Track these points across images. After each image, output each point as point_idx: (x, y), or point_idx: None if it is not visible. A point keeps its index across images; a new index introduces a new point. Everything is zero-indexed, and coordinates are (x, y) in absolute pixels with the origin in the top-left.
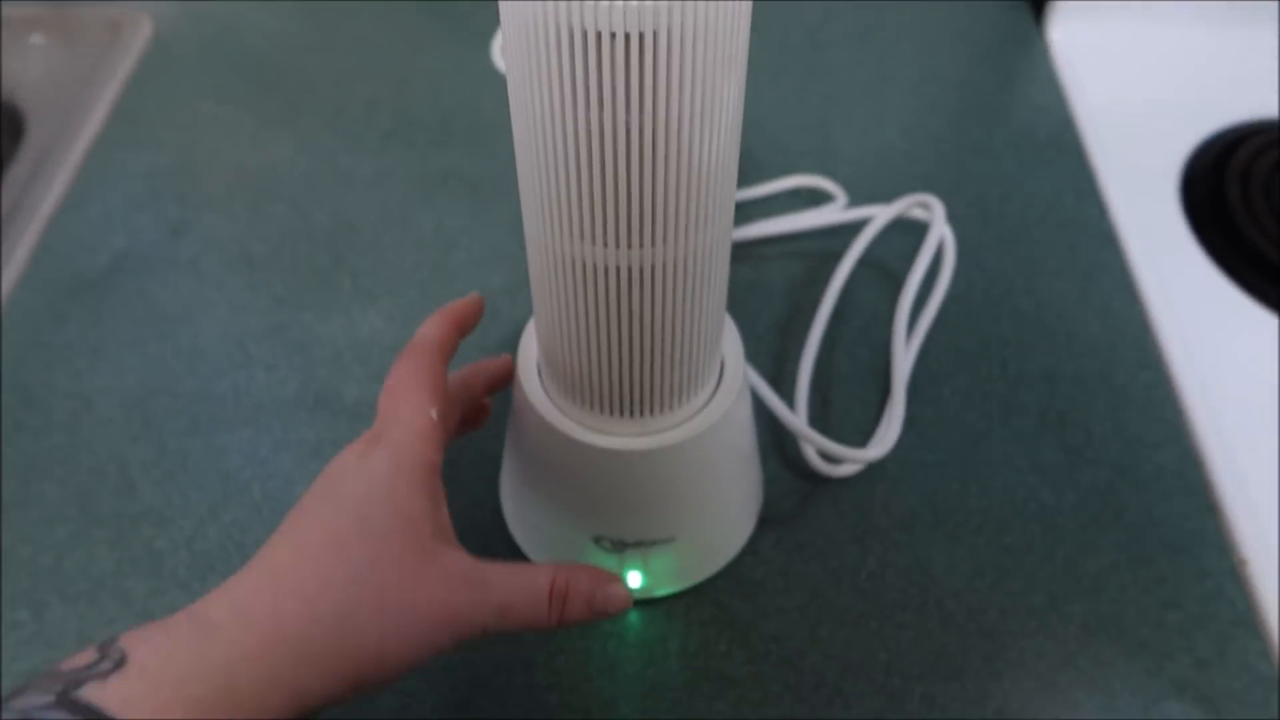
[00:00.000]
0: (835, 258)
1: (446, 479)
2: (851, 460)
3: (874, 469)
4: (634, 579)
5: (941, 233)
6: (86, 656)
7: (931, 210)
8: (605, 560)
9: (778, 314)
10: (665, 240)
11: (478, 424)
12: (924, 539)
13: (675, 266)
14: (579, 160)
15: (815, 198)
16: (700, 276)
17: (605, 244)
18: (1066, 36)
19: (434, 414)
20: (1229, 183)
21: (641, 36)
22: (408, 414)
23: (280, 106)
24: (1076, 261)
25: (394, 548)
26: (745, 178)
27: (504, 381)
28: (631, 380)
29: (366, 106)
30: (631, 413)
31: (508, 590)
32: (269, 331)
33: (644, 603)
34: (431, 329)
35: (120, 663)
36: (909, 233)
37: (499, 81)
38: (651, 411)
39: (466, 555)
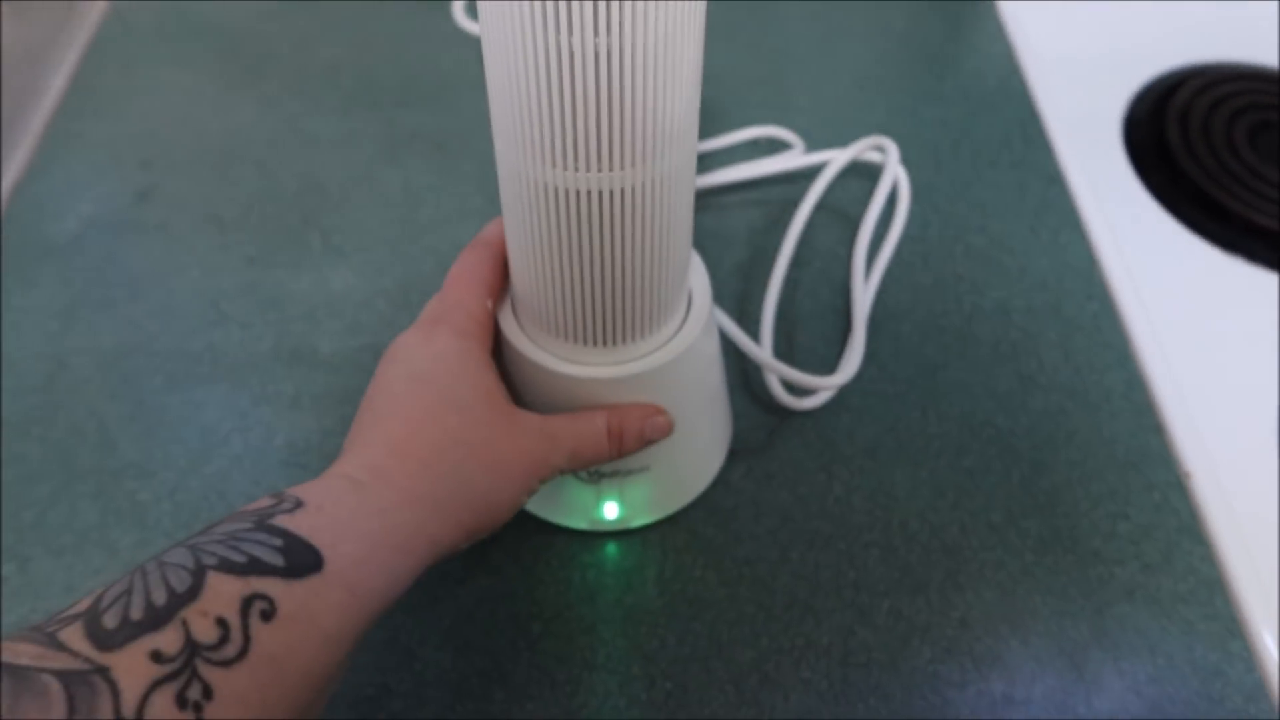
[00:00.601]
0: (794, 203)
1: None
2: (816, 388)
3: (837, 401)
4: (611, 509)
5: (896, 173)
6: (265, 501)
7: (886, 152)
8: (582, 491)
9: (740, 259)
10: (633, 163)
11: None
12: (887, 464)
13: (643, 190)
14: (549, 84)
15: (774, 147)
16: (666, 201)
17: (575, 168)
18: None
19: (489, 304)
20: (1169, 124)
21: None
22: (470, 301)
23: (241, 72)
24: (1026, 201)
25: (481, 414)
26: (704, 130)
27: None
28: (601, 309)
29: (329, 69)
30: (602, 341)
31: (574, 436)
32: (242, 290)
33: (621, 533)
34: (495, 228)
35: (298, 504)
36: (866, 178)
37: (462, 41)
38: (621, 340)
39: (534, 413)
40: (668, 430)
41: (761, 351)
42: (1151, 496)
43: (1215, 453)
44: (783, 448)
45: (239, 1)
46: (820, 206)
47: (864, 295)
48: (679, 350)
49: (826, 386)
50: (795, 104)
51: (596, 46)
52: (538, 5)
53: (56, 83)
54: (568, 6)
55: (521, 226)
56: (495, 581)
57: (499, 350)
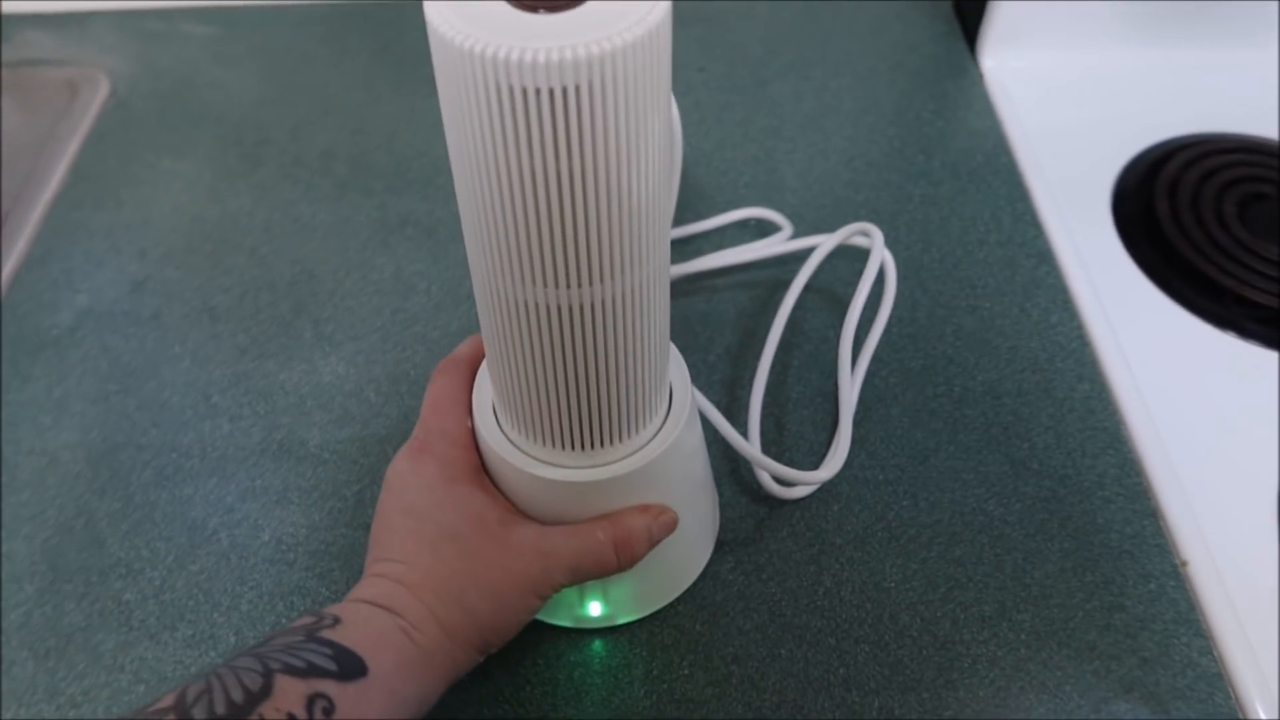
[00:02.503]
0: (783, 285)
1: None
2: (803, 483)
3: (827, 489)
4: (595, 607)
5: (882, 257)
6: (308, 619)
7: (872, 237)
8: (565, 592)
9: (729, 343)
10: (603, 279)
11: None
12: (877, 555)
13: (615, 303)
14: (515, 206)
15: (762, 228)
16: (640, 311)
17: (545, 284)
18: (999, 64)
19: (469, 423)
20: (1157, 197)
21: (565, 90)
22: (450, 426)
23: (238, 159)
24: (1015, 280)
25: (472, 542)
26: (693, 211)
27: None
28: (579, 415)
29: (323, 156)
30: (582, 445)
31: (573, 552)
32: (232, 381)
33: (607, 630)
34: (465, 347)
35: (337, 620)
36: (854, 259)
37: None
38: (601, 444)
39: (532, 527)
40: (674, 525)
41: (750, 447)
42: (1148, 586)
43: (1213, 540)
44: (771, 539)
45: (238, 89)
46: (809, 288)
47: (850, 390)
48: (659, 450)
49: (812, 482)
50: (784, 184)
51: (559, 170)
52: (499, 135)
53: (58, 171)
54: (528, 135)
55: (497, 336)
56: (481, 682)
57: (484, 456)
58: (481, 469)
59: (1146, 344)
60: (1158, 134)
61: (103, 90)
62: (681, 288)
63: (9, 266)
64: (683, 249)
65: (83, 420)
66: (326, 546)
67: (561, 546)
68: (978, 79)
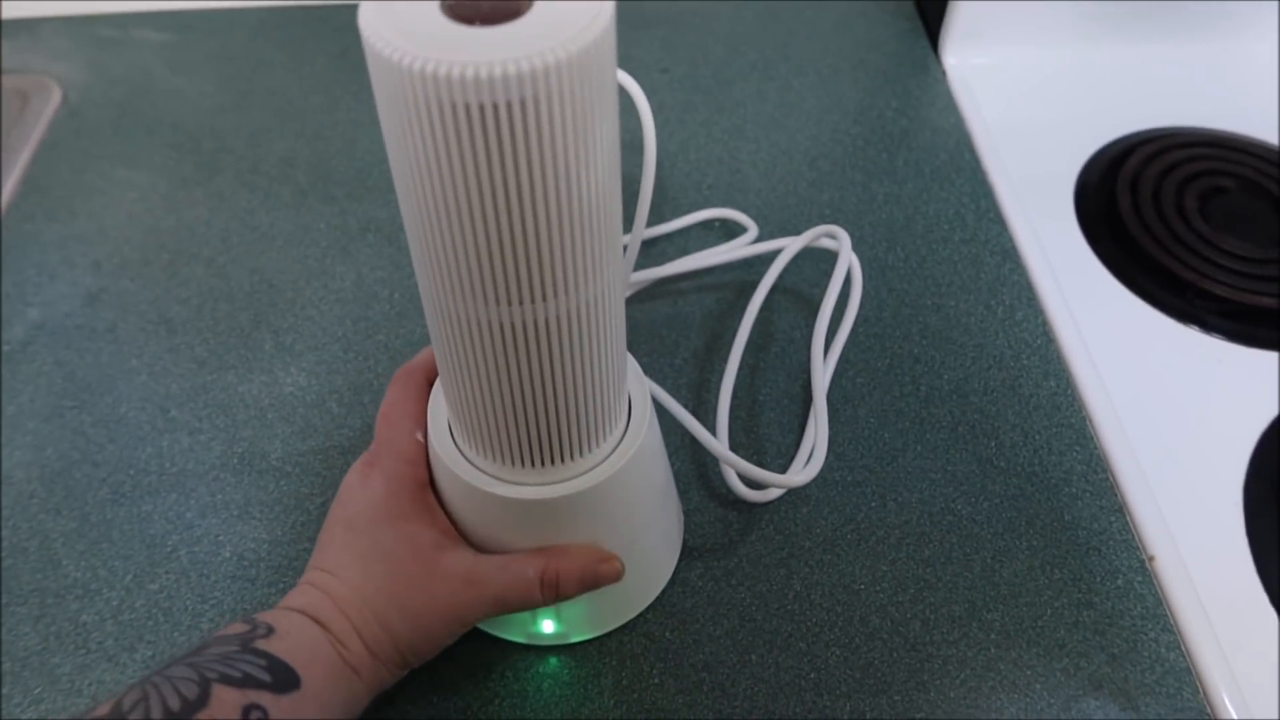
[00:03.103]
0: (749, 288)
1: None
2: (776, 485)
3: (795, 492)
4: (547, 625)
5: (849, 260)
6: (242, 626)
7: (839, 239)
8: None
9: (695, 346)
10: (554, 294)
11: None
12: (847, 557)
13: (567, 319)
14: (458, 222)
15: (728, 229)
16: (593, 326)
17: (493, 302)
18: (961, 61)
19: (420, 436)
20: (1119, 192)
21: (500, 106)
22: (399, 440)
23: (195, 168)
24: (980, 277)
25: (403, 564)
26: (658, 213)
27: None
28: (534, 432)
29: (282, 163)
30: (538, 462)
31: (501, 585)
32: (191, 394)
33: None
34: (421, 357)
35: (270, 630)
36: (819, 259)
37: None
38: (558, 460)
39: (465, 555)
40: (617, 576)
41: (719, 445)
42: (1116, 582)
43: (1179, 534)
44: (740, 543)
45: (194, 96)
46: (775, 289)
47: (823, 398)
48: (620, 464)
49: (786, 485)
50: (749, 184)
51: (504, 185)
52: (440, 150)
53: (9, 182)
54: (471, 151)
55: (447, 353)
56: (447, 697)
57: (433, 470)
58: (429, 486)
59: (1111, 339)
60: (1119, 129)
61: (54, 99)
62: (647, 292)
63: None
64: (648, 251)
65: (36, 438)
66: (289, 561)
67: (490, 578)
68: (940, 77)
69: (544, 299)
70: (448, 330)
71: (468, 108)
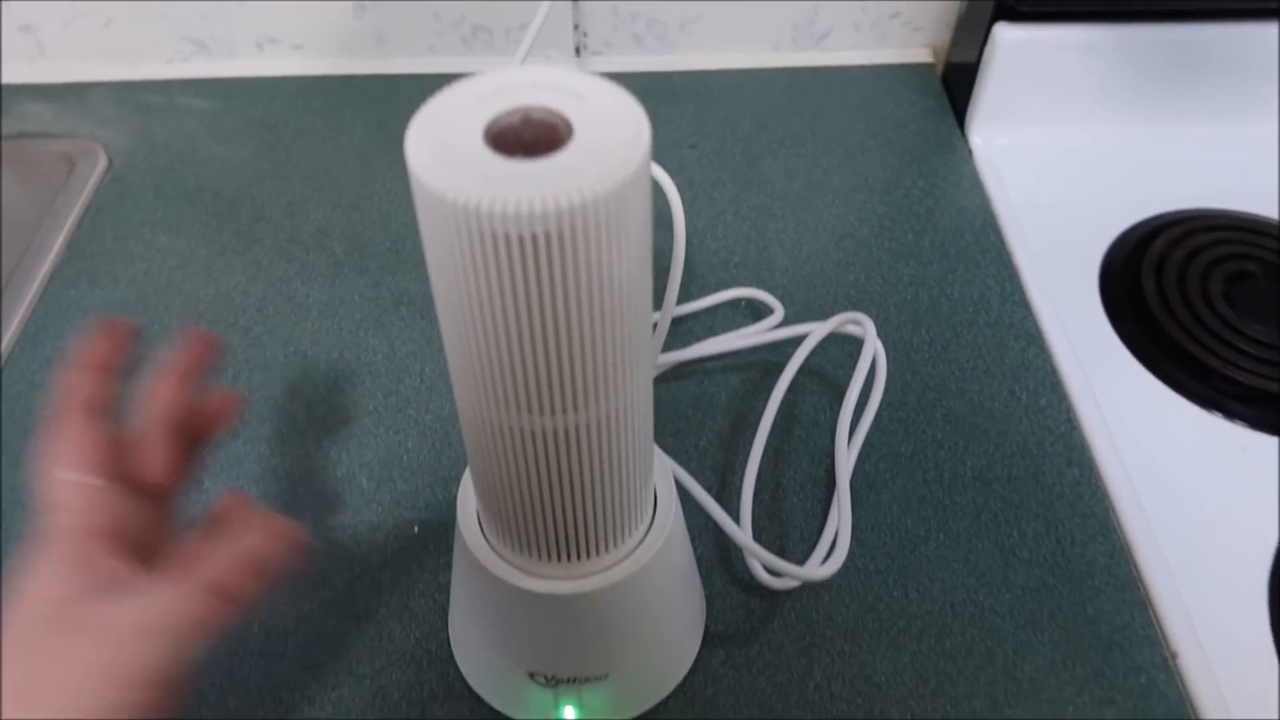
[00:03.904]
0: (773, 369)
1: (400, 609)
2: (800, 578)
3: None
4: (569, 712)
5: (875, 348)
6: None
7: (864, 326)
8: (539, 694)
9: (720, 427)
10: (584, 405)
11: (220, 422)
12: (868, 648)
13: (595, 426)
14: (494, 340)
15: (754, 308)
16: (621, 432)
17: (524, 411)
18: (987, 140)
19: (89, 484)
20: (1144, 275)
21: (538, 237)
22: (59, 495)
23: (234, 236)
24: (1004, 362)
25: (33, 637)
26: (685, 291)
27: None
28: (562, 530)
29: (319, 233)
30: (563, 557)
31: (155, 618)
32: (224, 465)
33: None
34: (73, 386)
35: None
36: (844, 340)
37: None
38: (583, 556)
39: (120, 609)
40: (291, 539)
41: (743, 535)
42: (1139, 679)
43: (1202, 628)
44: (762, 630)
45: (234, 163)
46: (800, 370)
47: (847, 487)
48: (642, 562)
49: (809, 579)
50: (775, 263)
51: (541, 307)
52: (479, 275)
53: (54, 246)
54: (509, 276)
55: (479, 453)
56: None
57: (457, 558)
58: (105, 533)
59: (1135, 426)
60: (1144, 210)
61: (100, 163)
62: (673, 371)
63: (3, 345)
64: (674, 329)
65: None
66: (317, 638)
67: (145, 616)
68: (966, 155)
69: (574, 409)
70: (480, 433)
71: (508, 238)
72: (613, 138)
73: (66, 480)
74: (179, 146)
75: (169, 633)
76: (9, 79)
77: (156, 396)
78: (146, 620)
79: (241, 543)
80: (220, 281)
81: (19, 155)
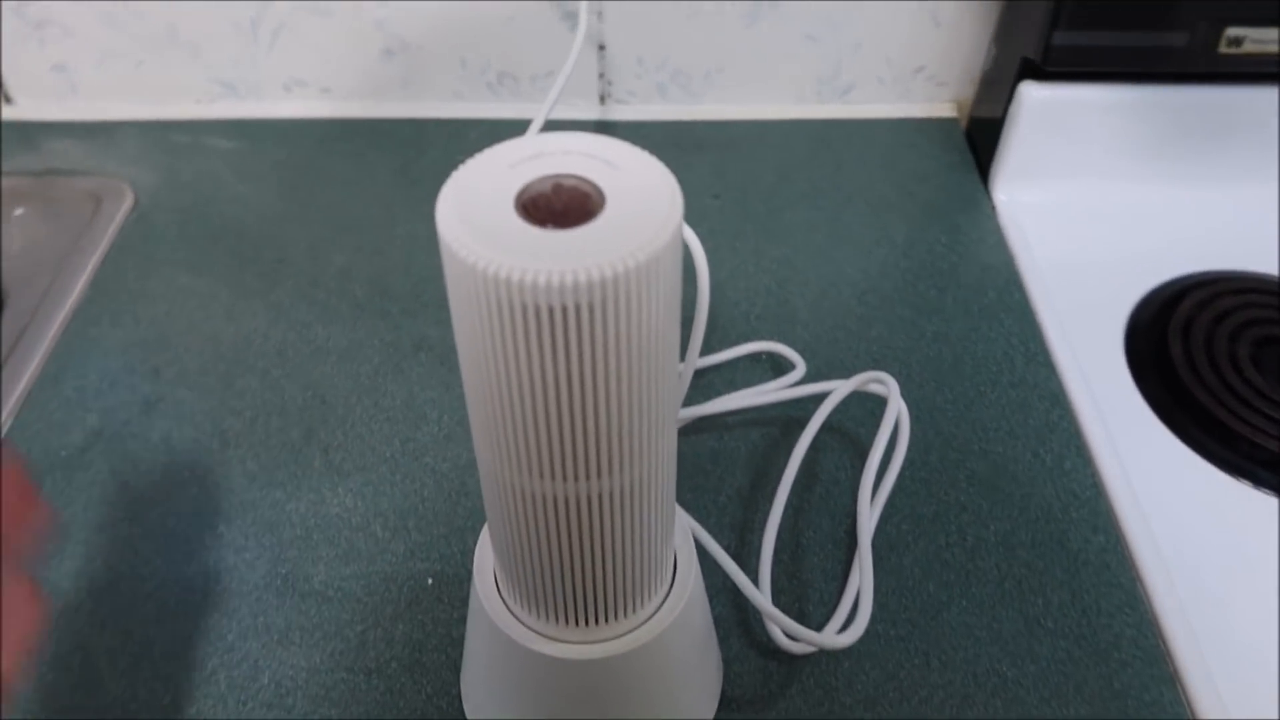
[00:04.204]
0: (794, 425)
1: (412, 664)
2: (820, 646)
3: None
4: None
5: (899, 409)
6: None
7: (887, 386)
8: None
9: (740, 484)
10: (607, 473)
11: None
12: (888, 717)
13: (620, 493)
14: (518, 406)
15: (774, 362)
16: (645, 499)
17: (547, 477)
18: (1011, 197)
19: None
20: (1171, 338)
21: (568, 309)
22: None
23: (255, 277)
24: (1028, 423)
25: None
26: (706, 343)
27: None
28: (581, 594)
29: (341, 276)
30: (580, 622)
31: None
32: (239, 510)
33: None
34: None
35: None
36: (865, 396)
37: None
38: (601, 621)
39: None
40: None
41: (762, 598)
42: None
43: (1232, 707)
44: (780, 696)
45: (258, 204)
46: (821, 427)
47: (869, 551)
48: (661, 628)
49: (829, 647)
50: (796, 316)
51: (563, 378)
52: (509, 346)
53: (78, 284)
54: (539, 348)
55: (499, 515)
56: None
57: (473, 619)
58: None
59: (1161, 492)
60: (1170, 271)
61: (126, 202)
62: (692, 425)
63: (24, 383)
64: (695, 382)
65: (87, 549)
66: (326, 691)
67: None
68: (990, 212)
69: (599, 475)
70: (501, 496)
71: (538, 309)
72: (646, 208)
73: None
74: (204, 186)
75: None
76: (41, 117)
77: None
78: None
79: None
80: (241, 323)
81: (47, 192)
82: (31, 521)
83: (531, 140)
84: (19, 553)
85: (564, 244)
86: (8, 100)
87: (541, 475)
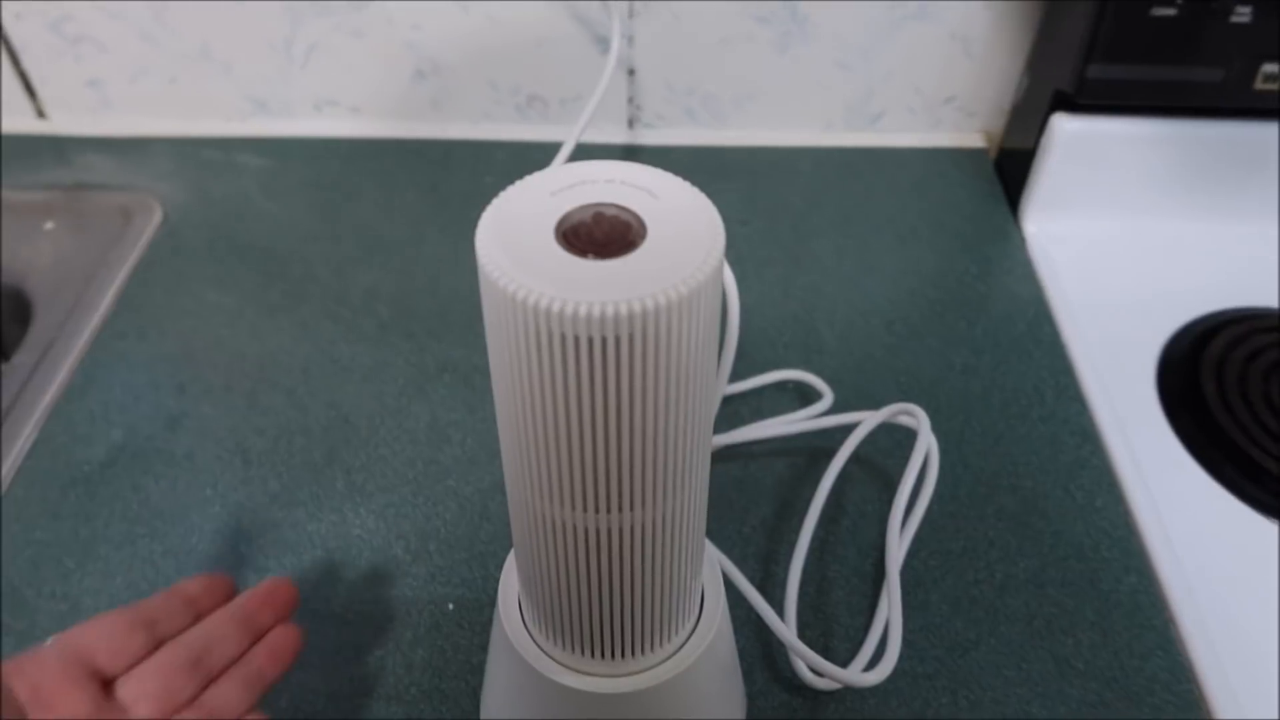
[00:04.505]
0: (821, 455)
1: (431, 690)
2: (846, 683)
3: None
4: None
5: (929, 442)
6: None
7: (917, 419)
8: None
9: (765, 514)
10: (639, 506)
11: (279, 663)
12: None
13: (651, 526)
14: (551, 436)
15: (801, 390)
16: (674, 534)
17: (578, 508)
18: (1041, 229)
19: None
20: (1204, 376)
21: (606, 340)
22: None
23: (282, 295)
24: (1058, 459)
25: None
26: (733, 371)
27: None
28: (608, 627)
29: (366, 295)
30: (606, 654)
31: None
32: (261, 530)
33: None
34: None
35: None
36: (893, 427)
37: None
38: (627, 654)
39: None
40: None
41: (788, 633)
42: None
43: None
44: None
45: (286, 222)
46: (850, 458)
47: (897, 586)
48: (687, 662)
49: (855, 684)
50: (824, 345)
51: (599, 409)
52: (545, 376)
53: (106, 298)
54: (576, 378)
55: (528, 545)
56: None
57: (495, 648)
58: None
59: (1194, 532)
60: (1202, 306)
61: (155, 217)
62: (718, 454)
63: (49, 397)
64: (721, 410)
65: (108, 565)
66: (345, 717)
67: None
68: (1020, 243)
69: (632, 508)
70: (531, 525)
71: (577, 340)
72: (687, 240)
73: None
74: (233, 203)
75: None
76: (74, 131)
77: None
78: None
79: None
80: (266, 340)
81: (77, 206)
82: None
83: (572, 168)
84: None
85: (604, 274)
86: (42, 115)
87: (573, 506)
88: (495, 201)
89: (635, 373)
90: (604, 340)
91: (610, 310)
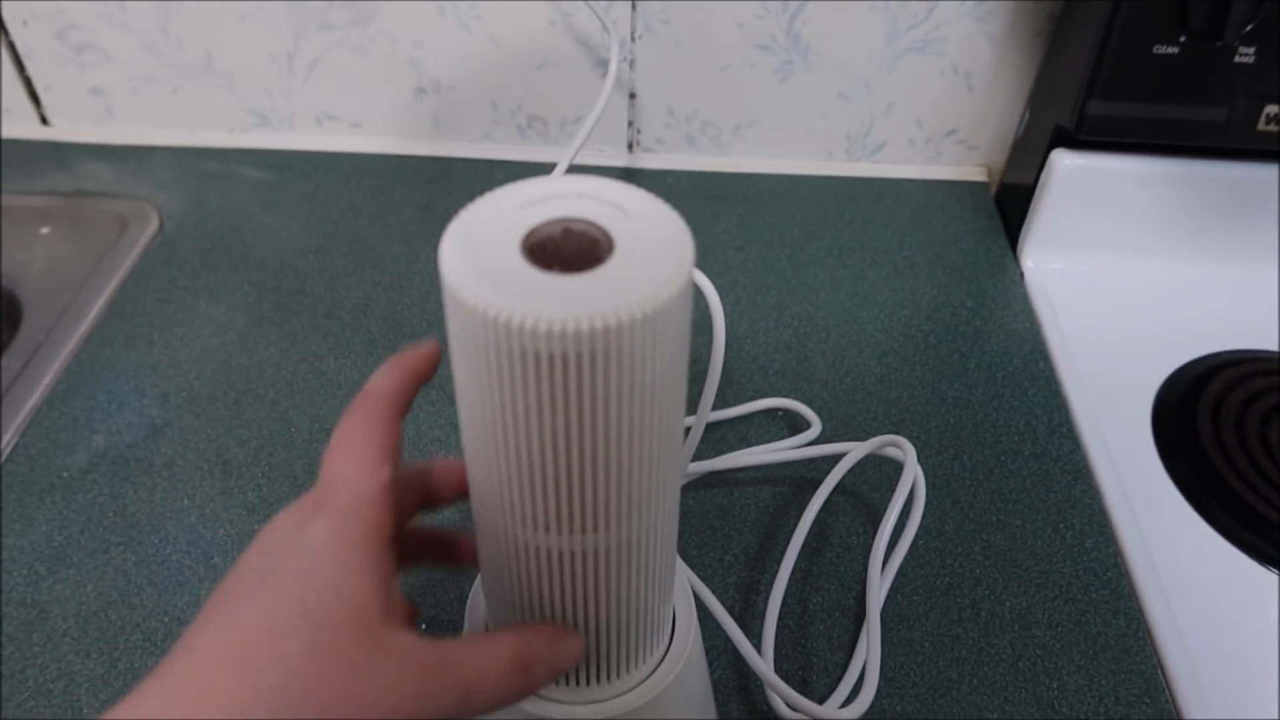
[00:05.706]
0: (806, 485)
1: None
2: (820, 718)
3: None
4: None
5: (915, 474)
6: None
7: (904, 451)
8: None
9: (748, 543)
10: (606, 527)
11: (455, 558)
12: None
13: (617, 548)
14: (516, 454)
15: (790, 419)
16: (643, 556)
17: (543, 530)
18: (1039, 265)
19: (387, 475)
20: (1200, 418)
21: (569, 357)
22: (355, 476)
23: (272, 307)
24: (1049, 497)
25: (336, 637)
26: (721, 396)
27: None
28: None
29: (357, 310)
30: (574, 681)
31: (470, 672)
32: (237, 542)
33: None
34: (384, 379)
35: None
36: (881, 460)
37: None
38: (595, 680)
39: (420, 637)
40: (578, 655)
41: (765, 667)
42: None
43: None
44: None
45: (281, 235)
46: (834, 489)
47: (877, 623)
48: (658, 689)
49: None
50: (815, 374)
51: (563, 427)
52: (509, 394)
53: (96, 305)
54: (538, 396)
55: (494, 568)
56: None
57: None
58: (390, 540)
59: (1187, 577)
60: (1200, 348)
61: (151, 226)
62: (702, 480)
63: (33, 401)
64: (707, 436)
65: (78, 572)
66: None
67: (457, 661)
68: (1017, 278)
69: (597, 530)
70: (496, 547)
71: (538, 356)
72: (655, 256)
73: (378, 475)
74: (230, 214)
75: (460, 684)
76: (76, 139)
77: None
78: (440, 656)
79: (552, 634)
80: (254, 352)
81: (74, 212)
82: None
83: (544, 182)
84: None
85: (569, 290)
86: (45, 121)
87: (535, 526)
88: (461, 214)
89: (597, 392)
90: (564, 357)
91: (573, 326)
